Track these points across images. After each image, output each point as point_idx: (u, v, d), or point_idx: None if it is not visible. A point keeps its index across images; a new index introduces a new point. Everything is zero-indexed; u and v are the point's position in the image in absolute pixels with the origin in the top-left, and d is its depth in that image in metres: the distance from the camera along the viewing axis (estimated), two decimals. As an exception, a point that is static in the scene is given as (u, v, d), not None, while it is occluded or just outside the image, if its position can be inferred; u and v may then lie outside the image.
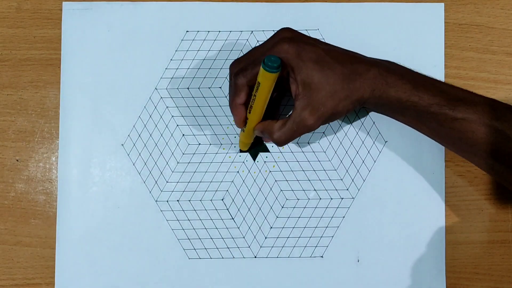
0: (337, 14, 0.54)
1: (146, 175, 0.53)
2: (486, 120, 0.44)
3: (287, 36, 0.45)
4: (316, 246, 0.53)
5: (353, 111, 0.47)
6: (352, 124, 0.53)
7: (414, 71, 0.48)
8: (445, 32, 0.54)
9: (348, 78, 0.44)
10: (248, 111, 0.47)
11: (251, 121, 0.47)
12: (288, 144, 0.53)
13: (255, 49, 0.47)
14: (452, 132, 0.46)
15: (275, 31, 0.47)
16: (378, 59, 0.48)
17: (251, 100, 0.46)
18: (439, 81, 0.48)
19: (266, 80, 0.43)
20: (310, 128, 0.45)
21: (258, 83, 0.44)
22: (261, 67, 0.42)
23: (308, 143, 0.53)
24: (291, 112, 0.46)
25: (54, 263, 0.52)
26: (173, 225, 0.53)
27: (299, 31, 0.54)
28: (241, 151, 0.53)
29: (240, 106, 0.47)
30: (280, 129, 0.46)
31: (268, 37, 0.53)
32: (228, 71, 0.54)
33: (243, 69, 0.45)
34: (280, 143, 0.47)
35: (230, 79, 0.47)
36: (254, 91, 0.45)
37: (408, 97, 0.45)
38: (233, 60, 0.47)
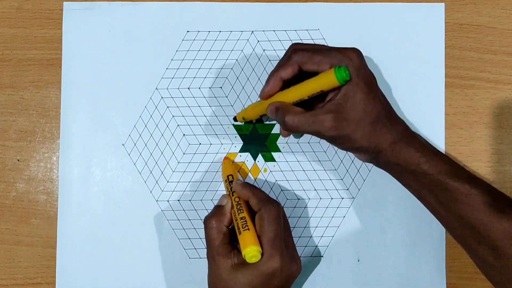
0: (337, 14, 0.54)
1: (147, 175, 0.53)
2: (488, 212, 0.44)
3: (358, 52, 0.45)
4: (316, 246, 0.53)
5: (364, 156, 0.48)
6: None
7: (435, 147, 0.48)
8: (445, 32, 0.54)
9: (380, 118, 0.45)
10: (281, 89, 0.47)
11: (278, 98, 0.47)
12: (289, 143, 0.53)
13: (322, 45, 0.47)
14: (462, 210, 0.45)
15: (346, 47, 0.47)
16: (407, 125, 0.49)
17: (296, 84, 0.45)
18: (454, 161, 0.48)
19: (327, 82, 0.43)
20: (323, 131, 0.45)
21: (318, 78, 0.44)
22: (333, 71, 0.42)
23: (309, 143, 0.54)
24: (315, 108, 0.46)
25: (55, 263, 0.52)
26: (174, 224, 0.53)
27: (299, 31, 0.54)
28: (234, 119, 0.53)
29: (279, 79, 0.46)
30: (297, 114, 0.45)
31: (269, 37, 0.54)
32: (228, 71, 0.54)
33: (304, 50, 0.45)
34: (288, 127, 0.45)
35: (286, 52, 0.47)
36: (309, 81, 0.44)
37: (427, 160, 0.45)
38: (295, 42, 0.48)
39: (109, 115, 0.53)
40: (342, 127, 0.44)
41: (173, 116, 0.54)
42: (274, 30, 0.54)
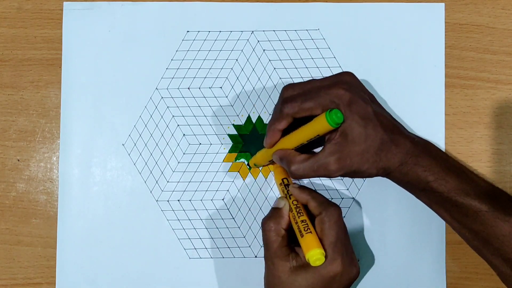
0: (337, 14, 0.54)
1: (147, 175, 0.53)
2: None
3: (347, 81, 0.45)
4: (316, 246, 0.53)
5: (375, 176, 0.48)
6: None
7: (449, 155, 0.49)
8: (445, 32, 0.54)
9: (384, 145, 0.44)
10: (282, 135, 0.47)
11: (281, 146, 0.47)
12: (289, 144, 0.53)
13: (312, 82, 0.46)
14: (473, 224, 0.45)
15: (337, 73, 0.47)
16: (417, 136, 0.48)
17: (294, 131, 0.46)
18: (470, 170, 0.48)
19: (321, 128, 0.43)
20: (329, 174, 0.45)
21: (312, 124, 0.44)
22: (324, 116, 0.42)
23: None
24: (318, 152, 0.45)
25: (55, 263, 0.52)
26: (174, 224, 0.53)
27: (299, 31, 0.54)
28: (248, 165, 0.53)
29: (277, 131, 0.46)
30: (301, 162, 0.45)
31: (269, 37, 0.54)
32: (228, 71, 0.54)
33: (293, 100, 0.45)
34: (296, 176, 0.46)
35: (278, 102, 0.47)
36: (304, 127, 0.44)
37: (435, 179, 0.45)
38: (286, 84, 0.47)
39: (109, 115, 0.53)
40: (347, 165, 0.44)
41: (173, 116, 0.54)
42: (274, 30, 0.54)
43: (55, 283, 0.52)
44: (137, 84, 0.53)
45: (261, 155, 0.50)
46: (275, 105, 0.47)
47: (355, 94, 0.44)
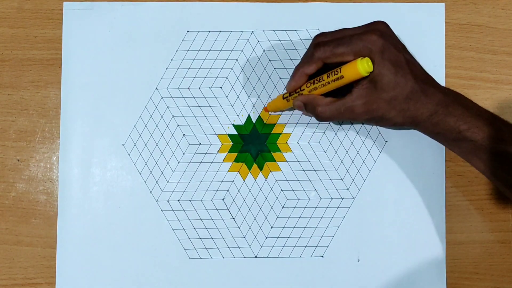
0: (337, 14, 0.54)
1: (147, 175, 0.53)
2: None
3: (380, 29, 0.45)
4: (316, 246, 0.53)
5: (401, 127, 0.48)
6: (353, 124, 0.53)
7: (480, 106, 0.48)
8: (445, 32, 0.54)
9: (413, 94, 0.45)
10: (306, 81, 0.47)
11: (305, 92, 0.48)
12: (289, 144, 0.53)
13: (344, 30, 0.47)
14: (510, 172, 0.45)
15: (371, 22, 0.47)
16: (448, 88, 0.49)
17: (320, 77, 0.46)
18: (502, 118, 0.48)
19: (351, 75, 0.44)
20: (355, 117, 0.46)
21: (339, 71, 0.44)
22: (355, 63, 0.43)
23: (309, 143, 0.54)
24: (345, 96, 0.46)
25: (55, 263, 0.52)
26: (173, 225, 0.53)
27: (299, 31, 0.54)
28: (266, 110, 0.53)
29: (304, 75, 0.47)
30: (328, 105, 0.46)
31: (269, 37, 0.54)
32: (228, 71, 0.54)
33: (326, 44, 0.45)
34: (322, 118, 0.47)
35: (309, 48, 0.47)
36: (330, 74, 0.45)
37: (468, 128, 0.45)
38: (318, 33, 0.48)
39: (109, 115, 0.53)
40: (373, 110, 0.45)
41: (173, 116, 0.54)
42: (274, 30, 0.54)
43: (55, 283, 0.52)
44: (137, 84, 0.53)
45: (281, 102, 0.51)
46: (306, 51, 0.48)
47: (388, 41, 0.44)
